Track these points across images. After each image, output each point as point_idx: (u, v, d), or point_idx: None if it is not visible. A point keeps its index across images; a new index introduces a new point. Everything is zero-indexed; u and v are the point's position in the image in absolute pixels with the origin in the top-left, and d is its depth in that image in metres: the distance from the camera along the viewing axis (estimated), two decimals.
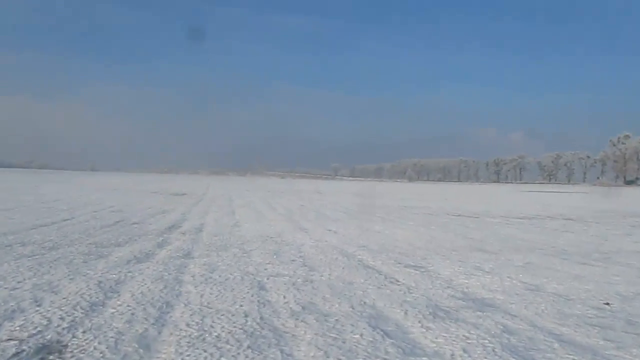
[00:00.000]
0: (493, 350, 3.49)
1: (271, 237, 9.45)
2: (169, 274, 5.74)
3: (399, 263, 6.82)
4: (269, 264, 6.57)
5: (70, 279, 5.35)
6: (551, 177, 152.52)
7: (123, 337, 3.61)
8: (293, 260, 6.86)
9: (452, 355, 3.41)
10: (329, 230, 10.82)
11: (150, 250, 7.53)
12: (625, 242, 10.10)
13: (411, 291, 5.15)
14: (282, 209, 17.83)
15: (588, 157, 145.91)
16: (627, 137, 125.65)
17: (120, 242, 8.37)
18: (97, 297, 4.64)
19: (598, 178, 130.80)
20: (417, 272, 6.19)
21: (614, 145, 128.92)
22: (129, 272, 5.79)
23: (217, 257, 6.98)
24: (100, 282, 5.24)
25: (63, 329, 3.78)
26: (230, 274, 5.79)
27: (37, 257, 6.64)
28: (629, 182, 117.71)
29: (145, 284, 5.15)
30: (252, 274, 5.84)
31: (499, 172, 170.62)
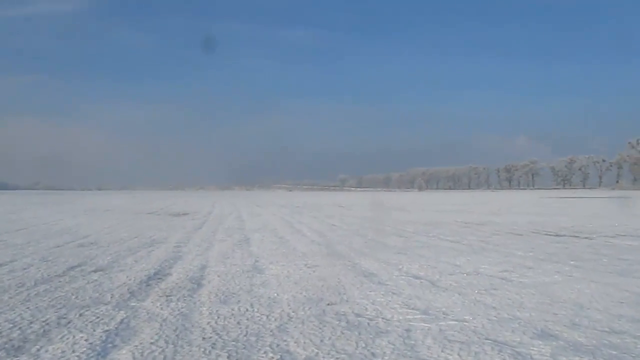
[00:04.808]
0: None
1: (330, 304, 5.01)
2: None
3: None
4: None
5: None
6: (565, 182, 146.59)
7: None
8: None
9: None
10: (418, 280, 6.32)
11: None
12: None
13: None
14: (310, 232, 13.37)
15: (604, 160, 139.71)
16: None
17: (18, 345, 3.97)
18: None
19: (617, 182, 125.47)
20: None
21: (633, 147, 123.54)
22: None
23: None
24: None
25: None
26: None
27: None
28: None
29: None
30: None
31: (511, 178, 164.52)
